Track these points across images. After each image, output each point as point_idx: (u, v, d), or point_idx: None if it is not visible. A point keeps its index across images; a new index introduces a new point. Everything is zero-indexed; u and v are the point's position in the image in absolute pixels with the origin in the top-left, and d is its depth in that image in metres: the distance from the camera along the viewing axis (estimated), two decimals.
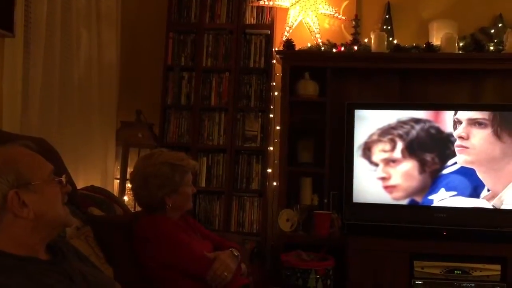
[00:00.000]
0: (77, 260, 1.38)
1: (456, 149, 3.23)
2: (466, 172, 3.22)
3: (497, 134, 3.21)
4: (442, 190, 3.23)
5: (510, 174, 3.19)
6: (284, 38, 3.54)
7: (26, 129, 2.47)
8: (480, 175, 3.21)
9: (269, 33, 3.62)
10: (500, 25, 3.47)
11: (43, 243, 1.29)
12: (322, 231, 3.26)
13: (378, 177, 3.29)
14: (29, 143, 1.32)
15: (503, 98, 3.46)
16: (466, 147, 3.23)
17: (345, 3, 3.70)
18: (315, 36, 3.57)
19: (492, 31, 3.47)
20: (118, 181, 3.62)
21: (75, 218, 1.87)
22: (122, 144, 3.64)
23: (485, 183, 3.20)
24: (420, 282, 3.05)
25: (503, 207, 3.17)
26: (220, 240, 2.25)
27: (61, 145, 2.50)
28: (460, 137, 3.24)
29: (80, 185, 2.68)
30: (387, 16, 3.59)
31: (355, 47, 3.48)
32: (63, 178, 1.32)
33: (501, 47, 3.34)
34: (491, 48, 3.36)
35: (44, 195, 1.25)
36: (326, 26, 3.70)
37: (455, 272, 3.06)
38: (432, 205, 3.23)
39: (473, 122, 3.24)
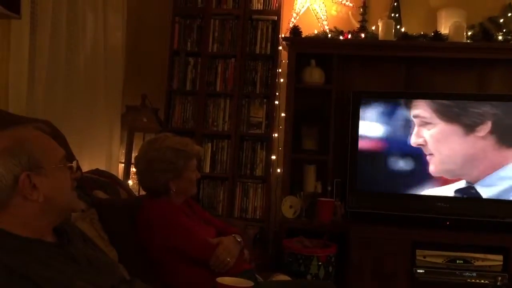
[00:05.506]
0: (82, 243, 1.39)
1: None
2: None
3: None
4: None
5: None
6: (291, 25, 3.52)
7: (31, 111, 2.47)
8: None
9: (276, 19, 3.60)
10: (509, 14, 3.43)
11: (50, 226, 1.30)
12: (325, 218, 3.27)
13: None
14: (43, 126, 1.32)
15: (511, 89, 3.44)
16: None
17: None
18: (322, 23, 3.55)
19: (501, 20, 3.44)
20: (123, 164, 3.64)
21: (81, 201, 1.88)
22: (127, 128, 3.65)
23: None
24: (422, 271, 3.07)
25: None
26: (223, 226, 2.26)
27: (66, 128, 2.51)
28: None
29: (85, 168, 2.69)
30: (395, 4, 3.55)
31: (362, 35, 3.46)
32: (74, 164, 1.33)
33: (510, 37, 3.31)
34: (500, 37, 3.33)
35: (55, 179, 1.26)
36: (334, 13, 3.67)
37: (457, 261, 3.07)
38: (434, 194, 3.23)
39: None
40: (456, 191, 3.22)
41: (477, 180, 3.20)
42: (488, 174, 3.19)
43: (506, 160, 3.18)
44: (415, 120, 3.27)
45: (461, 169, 3.22)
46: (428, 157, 3.24)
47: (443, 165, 3.23)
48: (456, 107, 3.23)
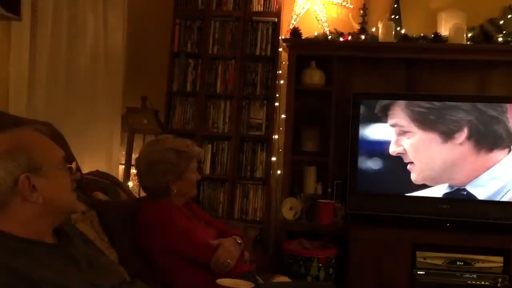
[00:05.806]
0: (83, 244, 1.40)
1: None
2: None
3: None
4: None
5: None
6: (291, 26, 3.53)
7: (32, 112, 2.47)
8: None
9: (276, 21, 3.60)
10: (509, 16, 3.43)
11: (50, 227, 1.30)
12: (325, 220, 3.27)
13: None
14: (42, 128, 1.32)
15: (511, 90, 3.44)
16: None
17: None
18: (322, 25, 3.55)
19: (501, 22, 3.44)
20: (123, 166, 3.63)
21: (81, 202, 1.88)
22: (128, 129, 3.65)
23: None
24: (422, 273, 3.07)
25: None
26: (224, 228, 2.26)
27: (67, 129, 2.50)
28: None
29: (85, 169, 2.69)
30: (395, 6, 3.56)
31: (362, 37, 3.46)
32: (74, 165, 1.33)
33: (509, 39, 3.32)
34: (500, 39, 3.34)
35: (54, 181, 1.26)
36: (334, 14, 3.68)
37: (457, 263, 3.07)
38: (435, 196, 3.23)
39: None
40: (445, 194, 3.22)
41: (465, 183, 3.20)
42: (476, 177, 3.19)
43: (489, 163, 3.18)
44: (394, 129, 3.27)
45: (442, 176, 3.22)
46: (408, 166, 3.24)
47: (424, 173, 3.23)
48: (431, 115, 3.23)
